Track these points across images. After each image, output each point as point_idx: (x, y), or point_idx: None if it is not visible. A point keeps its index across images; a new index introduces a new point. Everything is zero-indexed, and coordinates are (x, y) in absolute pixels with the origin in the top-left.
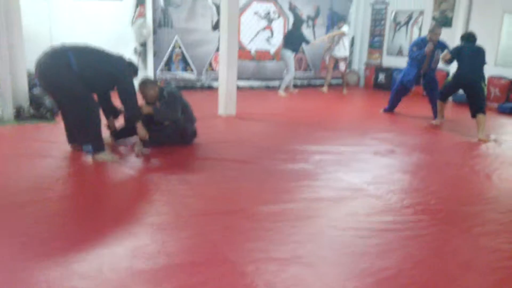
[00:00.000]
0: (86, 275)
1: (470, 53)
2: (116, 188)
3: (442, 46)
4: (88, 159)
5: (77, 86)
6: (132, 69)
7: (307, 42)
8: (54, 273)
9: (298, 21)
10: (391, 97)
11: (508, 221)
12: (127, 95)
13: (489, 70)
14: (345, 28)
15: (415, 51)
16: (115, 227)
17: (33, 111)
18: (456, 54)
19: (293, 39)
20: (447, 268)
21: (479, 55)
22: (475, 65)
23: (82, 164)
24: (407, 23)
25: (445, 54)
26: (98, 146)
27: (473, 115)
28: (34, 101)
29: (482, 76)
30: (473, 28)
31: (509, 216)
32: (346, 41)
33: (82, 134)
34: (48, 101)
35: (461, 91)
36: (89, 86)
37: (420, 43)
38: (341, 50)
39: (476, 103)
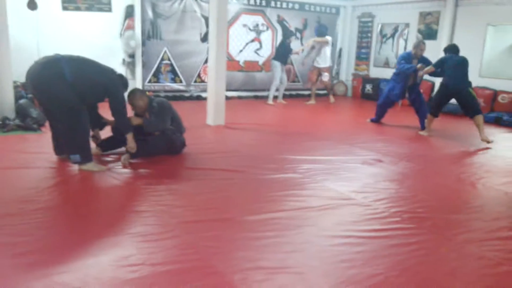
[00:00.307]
0: (70, 286)
1: (454, 63)
2: (103, 198)
3: (425, 61)
4: (75, 168)
5: (69, 96)
6: (122, 82)
7: (291, 52)
8: (38, 284)
9: (287, 33)
10: (377, 110)
11: (493, 229)
12: (119, 107)
13: (474, 81)
14: (329, 38)
15: (405, 64)
16: (101, 238)
17: (19, 122)
18: (440, 65)
19: (282, 51)
20: (434, 276)
21: (463, 64)
22: (459, 74)
23: (68, 175)
24: (393, 35)
25: (429, 68)
26: (86, 156)
27: (471, 116)
28: (20, 112)
29: (467, 83)
30: (458, 40)
31: (494, 224)
32: (328, 51)
33: (70, 144)
34: (34, 112)
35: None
36: (81, 97)
37: (407, 57)
38: (324, 60)
39: (470, 107)
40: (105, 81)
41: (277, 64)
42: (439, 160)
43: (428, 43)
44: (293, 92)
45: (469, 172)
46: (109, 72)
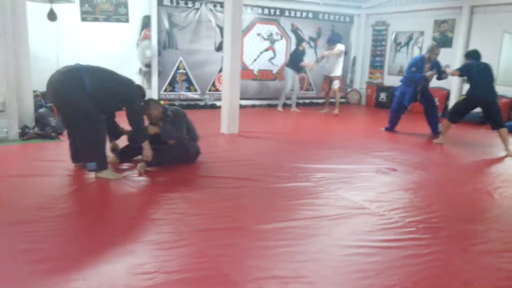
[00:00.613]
0: None
1: (479, 70)
2: (118, 206)
3: (437, 66)
4: (92, 176)
5: (87, 105)
6: (140, 92)
7: (302, 59)
8: None
9: (300, 41)
10: (391, 117)
11: (510, 240)
12: (137, 117)
13: None
14: (341, 47)
15: (415, 72)
16: (116, 245)
17: (38, 131)
18: (466, 72)
19: (294, 58)
20: (449, 287)
21: (488, 72)
22: (487, 83)
23: (84, 183)
24: (407, 43)
25: (454, 71)
26: (102, 164)
27: (495, 128)
28: (40, 121)
29: (495, 93)
30: (473, 48)
31: (511, 235)
32: (341, 60)
33: (86, 152)
34: (53, 121)
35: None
36: (100, 106)
37: (418, 63)
38: (337, 70)
39: (495, 119)
40: (123, 91)
41: (288, 71)
42: (454, 169)
43: (443, 51)
44: (307, 101)
45: (485, 182)
46: (128, 82)
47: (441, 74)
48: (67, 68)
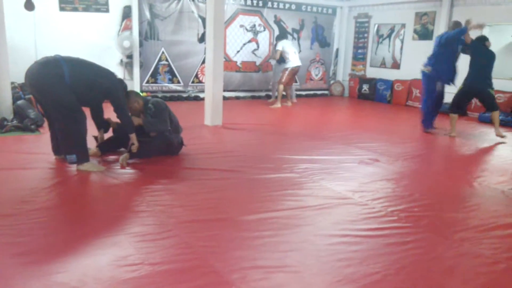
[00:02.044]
0: (69, 286)
1: (482, 57)
2: (101, 198)
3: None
4: (73, 169)
5: (67, 97)
6: (122, 85)
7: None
8: (36, 284)
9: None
10: (426, 116)
11: (490, 227)
12: (122, 108)
13: None
14: (279, 46)
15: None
16: (99, 238)
17: (17, 123)
18: (473, 50)
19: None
20: (431, 274)
21: (489, 60)
22: (483, 72)
23: (66, 175)
24: (389, 36)
25: (467, 36)
26: (82, 156)
27: (488, 111)
28: (18, 113)
29: (489, 83)
30: None
31: (491, 222)
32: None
33: (67, 144)
34: (32, 113)
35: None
36: (80, 98)
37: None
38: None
39: (489, 105)
40: (104, 83)
41: (274, 64)
42: (436, 159)
43: (424, 43)
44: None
45: (465, 171)
46: (109, 74)
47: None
48: (46, 59)
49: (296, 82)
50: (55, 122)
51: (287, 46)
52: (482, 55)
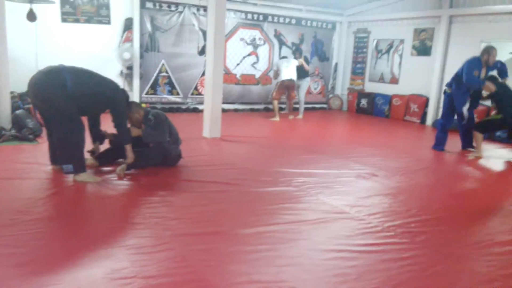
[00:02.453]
0: None
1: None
2: (97, 210)
3: (501, 67)
4: (70, 180)
5: (67, 106)
6: (124, 95)
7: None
8: None
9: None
10: (438, 132)
11: (486, 244)
12: (121, 119)
13: None
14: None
15: (476, 77)
16: (94, 250)
17: (15, 133)
18: (500, 98)
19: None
20: None
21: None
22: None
23: (62, 186)
24: (388, 51)
25: (489, 85)
26: (79, 166)
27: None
28: (17, 122)
29: None
30: (451, 56)
31: (487, 239)
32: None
33: (64, 154)
34: (31, 122)
35: None
36: (82, 108)
37: (478, 65)
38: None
39: None
40: (107, 93)
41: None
42: (432, 174)
43: (422, 59)
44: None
45: (461, 187)
46: (111, 84)
47: (504, 77)
48: (50, 68)
49: (294, 96)
50: (54, 131)
51: (280, 64)
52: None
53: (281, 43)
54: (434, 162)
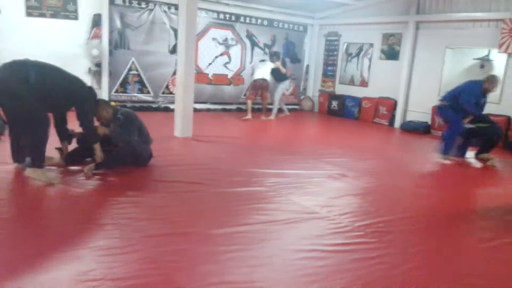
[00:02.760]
0: None
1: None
2: (63, 210)
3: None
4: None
5: (28, 99)
6: (92, 93)
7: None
8: None
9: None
10: (449, 139)
11: (449, 244)
12: (87, 117)
13: (434, 100)
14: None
15: (474, 105)
16: (59, 251)
17: None
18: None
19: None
20: None
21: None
22: None
23: (26, 186)
24: (358, 54)
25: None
26: (37, 161)
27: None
28: None
29: None
30: (418, 61)
31: (454, 239)
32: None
33: (27, 146)
34: None
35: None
36: (46, 103)
37: (477, 93)
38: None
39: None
40: (72, 90)
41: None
42: (400, 175)
43: (391, 63)
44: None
45: (428, 187)
46: (78, 81)
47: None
48: (13, 61)
49: (266, 97)
50: (17, 125)
51: (255, 66)
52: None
53: (253, 43)
54: (401, 163)
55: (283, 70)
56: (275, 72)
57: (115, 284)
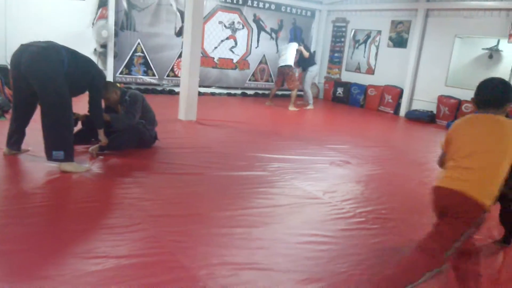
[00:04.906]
0: (32, 277)
1: None
2: (67, 189)
3: None
4: (37, 159)
5: (63, 86)
6: (103, 77)
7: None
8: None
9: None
10: None
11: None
12: (99, 101)
13: (440, 90)
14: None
15: None
16: (64, 230)
17: None
18: None
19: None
20: None
21: None
22: None
23: (29, 165)
24: (365, 41)
25: None
26: (70, 154)
27: None
28: None
29: None
30: (427, 49)
31: None
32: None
33: (55, 139)
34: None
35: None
36: (70, 88)
37: None
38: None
39: None
40: (94, 74)
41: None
42: (403, 163)
43: (398, 51)
44: (266, 92)
45: (431, 176)
46: (96, 65)
47: None
48: (47, 43)
49: (272, 81)
50: (44, 114)
51: (280, 51)
52: None
53: (260, 28)
54: (405, 152)
55: (305, 53)
56: (300, 60)
57: (118, 261)
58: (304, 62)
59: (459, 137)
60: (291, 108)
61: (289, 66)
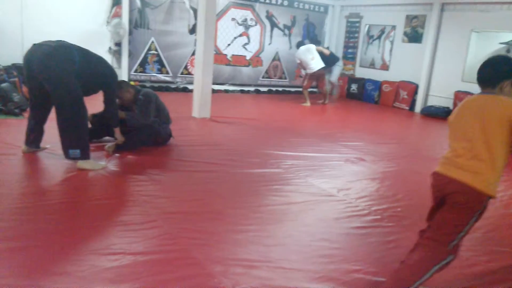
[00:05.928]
0: (49, 272)
1: None
2: (84, 187)
3: None
4: (53, 156)
5: (75, 85)
6: (115, 75)
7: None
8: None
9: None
10: None
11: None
12: (113, 101)
13: (457, 85)
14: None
15: None
16: (81, 227)
17: (0, 106)
18: None
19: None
20: None
21: None
22: None
23: (46, 163)
24: (379, 37)
25: None
26: (86, 152)
27: None
28: (2, 96)
29: None
30: (442, 44)
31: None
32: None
33: (71, 137)
34: (16, 96)
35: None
36: (83, 87)
37: None
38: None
39: None
40: (107, 73)
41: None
42: (419, 160)
43: (413, 46)
44: (280, 89)
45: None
46: (110, 65)
47: None
48: (57, 42)
49: (286, 78)
50: (58, 114)
51: (302, 54)
52: None
53: (273, 24)
54: (420, 149)
55: (326, 51)
56: (324, 58)
57: (135, 258)
58: (328, 60)
59: (454, 121)
60: (325, 102)
61: (324, 68)
